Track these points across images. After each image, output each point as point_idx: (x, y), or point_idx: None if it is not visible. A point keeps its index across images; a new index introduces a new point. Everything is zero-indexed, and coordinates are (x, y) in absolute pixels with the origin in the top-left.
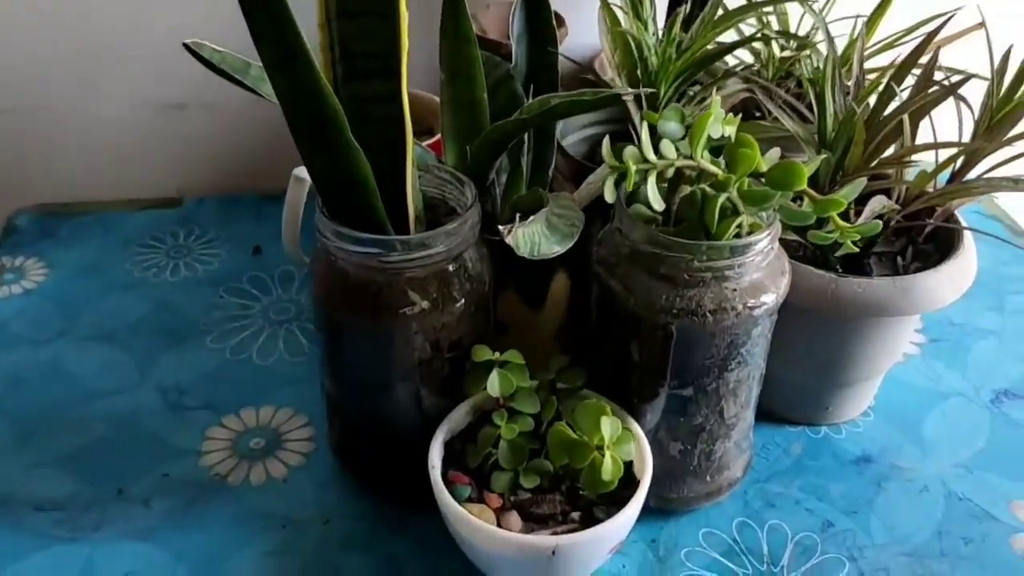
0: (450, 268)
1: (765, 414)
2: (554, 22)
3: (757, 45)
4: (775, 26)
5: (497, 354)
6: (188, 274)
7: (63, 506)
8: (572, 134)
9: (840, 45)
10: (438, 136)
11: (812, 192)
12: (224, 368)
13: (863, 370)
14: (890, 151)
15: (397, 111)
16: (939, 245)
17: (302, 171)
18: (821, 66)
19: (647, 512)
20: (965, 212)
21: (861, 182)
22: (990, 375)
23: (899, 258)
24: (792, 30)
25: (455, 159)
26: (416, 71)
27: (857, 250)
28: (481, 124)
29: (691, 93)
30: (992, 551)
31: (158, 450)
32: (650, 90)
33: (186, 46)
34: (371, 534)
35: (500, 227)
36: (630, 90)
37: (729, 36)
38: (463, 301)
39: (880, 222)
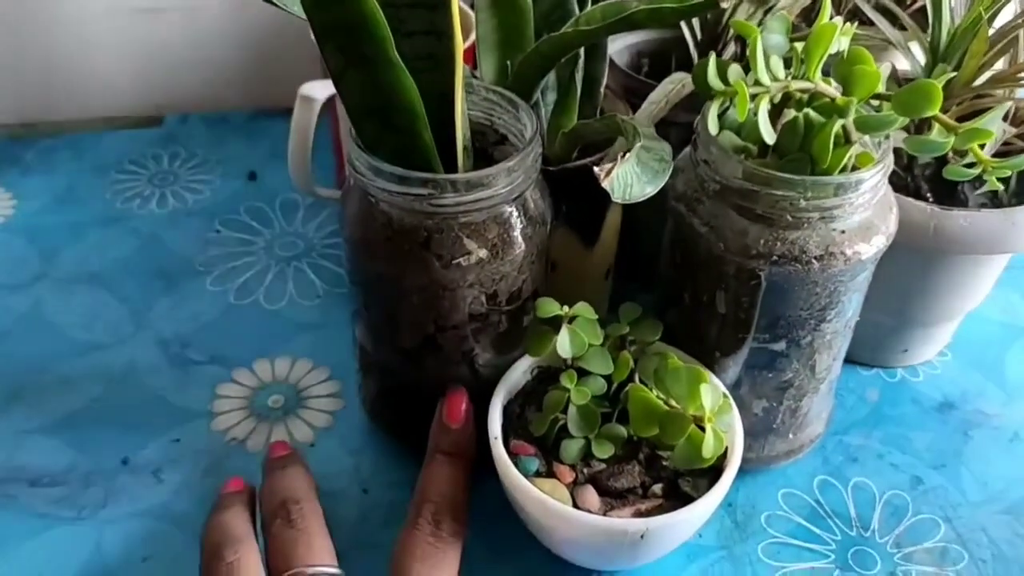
0: (510, 210)
1: None
2: None
3: None
4: None
5: (565, 308)
6: (177, 204)
7: (62, 480)
8: (614, 42)
9: None
10: (465, 45)
11: (946, 119)
12: (229, 314)
13: (951, 309)
14: (999, 65)
15: (443, 20)
16: None
17: (311, 88)
18: None
19: None
20: None
21: (1000, 109)
22: None
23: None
24: None
25: (493, 75)
26: None
27: (1001, 187)
28: (524, 34)
29: None
30: None
31: (164, 412)
32: None
33: None
34: None
35: (595, 168)
36: None
37: None
38: (524, 247)
39: None
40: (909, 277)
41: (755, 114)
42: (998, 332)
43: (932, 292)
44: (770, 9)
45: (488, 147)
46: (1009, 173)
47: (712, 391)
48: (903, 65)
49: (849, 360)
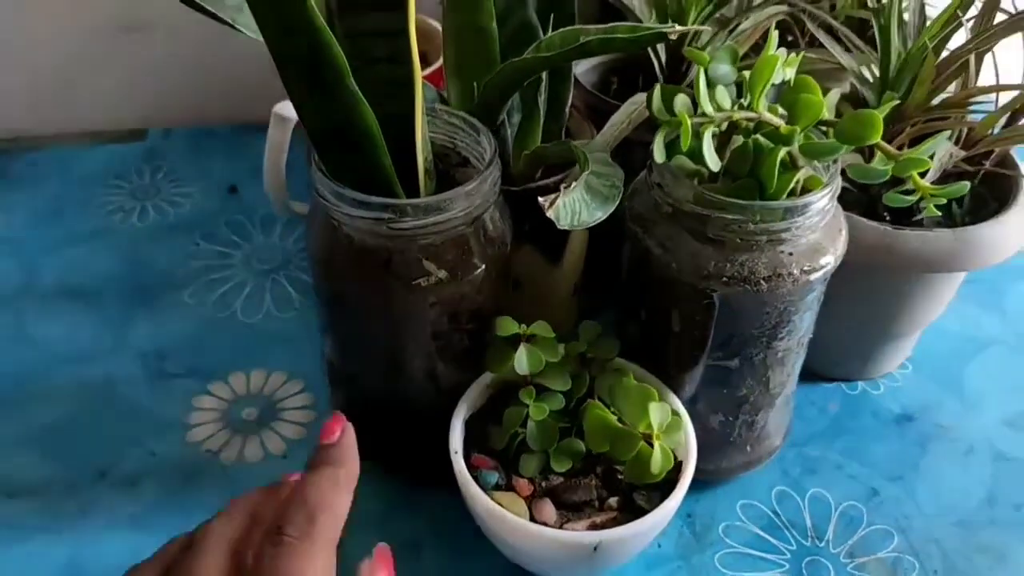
0: (469, 232)
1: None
2: None
3: None
4: None
5: (523, 327)
6: (158, 218)
7: (40, 492)
8: (581, 63)
9: None
10: (436, 66)
11: (887, 146)
12: (207, 328)
13: (910, 325)
14: (950, 90)
15: (403, 48)
16: (992, 188)
17: (285, 108)
18: None
19: None
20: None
21: (942, 136)
22: None
23: (955, 205)
24: None
25: (459, 98)
26: None
27: (940, 214)
28: (490, 58)
29: (717, 16)
30: None
31: (141, 424)
32: (702, 28)
33: None
34: (384, 517)
35: (540, 199)
36: (677, 28)
37: None
38: (484, 267)
39: (967, 183)
40: (867, 293)
41: (701, 142)
42: (958, 345)
43: (891, 308)
44: (733, 31)
45: (451, 169)
46: (945, 200)
47: (661, 409)
48: None
49: (811, 373)
